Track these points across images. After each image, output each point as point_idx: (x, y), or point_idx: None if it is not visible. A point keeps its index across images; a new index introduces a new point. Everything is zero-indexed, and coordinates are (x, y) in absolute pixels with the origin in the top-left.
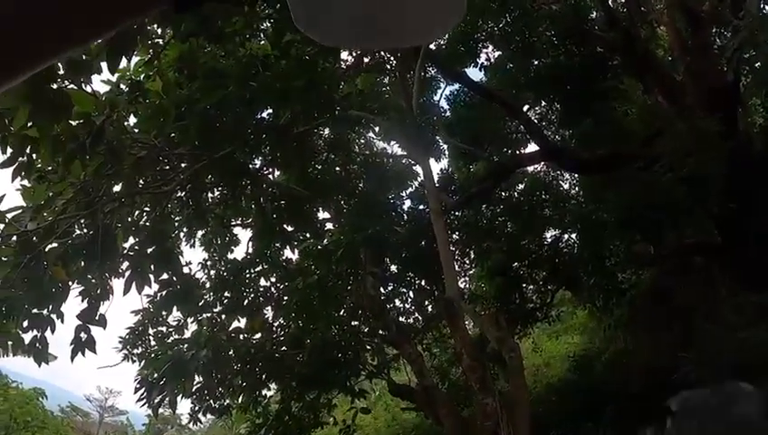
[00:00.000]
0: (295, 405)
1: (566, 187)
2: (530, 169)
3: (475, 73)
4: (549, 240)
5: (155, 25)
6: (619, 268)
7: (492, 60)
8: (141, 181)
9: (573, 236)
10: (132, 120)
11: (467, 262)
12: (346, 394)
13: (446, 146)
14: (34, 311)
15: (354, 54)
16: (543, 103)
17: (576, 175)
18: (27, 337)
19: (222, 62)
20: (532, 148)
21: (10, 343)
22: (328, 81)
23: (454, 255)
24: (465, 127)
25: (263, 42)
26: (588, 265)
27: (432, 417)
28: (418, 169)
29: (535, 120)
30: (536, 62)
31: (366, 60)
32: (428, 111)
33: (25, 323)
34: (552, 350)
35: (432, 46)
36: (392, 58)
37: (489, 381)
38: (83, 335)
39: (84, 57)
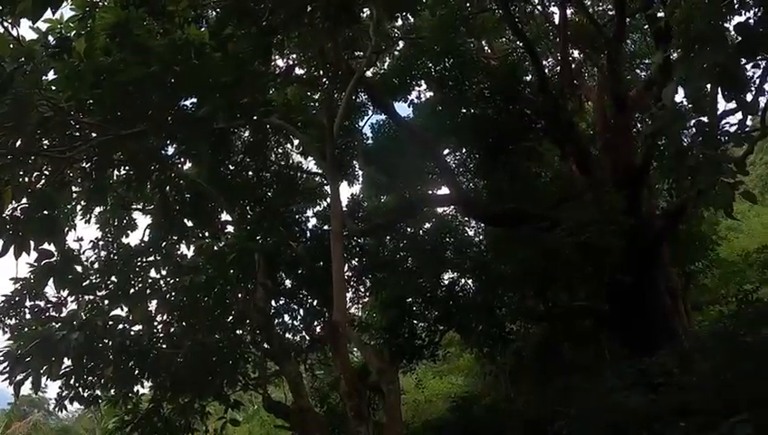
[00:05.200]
0: (167, 407)
1: (471, 233)
2: (439, 210)
3: (403, 109)
4: (446, 282)
5: None
6: (510, 319)
7: (423, 98)
8: (45, 142)
9: (470, 281)
10: (51, 76)
11: (362, 290)
12: (220, 403)
13: (361, 172)
14: None
15: (289, 63)
16: (464, 150)
17: (482, 224)
18: None
19: (157, 40)
20: (445, 191)
21: None
22: (257, 83)
23: (349, 280)
24: (383, 158)
25: (203, 29)
26: (480, 311)
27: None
28: (329, 189)
29: (453, 165)
30: (464, 110)
31: (300, 71)
32: (350, 135)
33: None
34: (435, 388)
35: (369, 73)
36: (325, 75)
37: (365, 410)
38: None
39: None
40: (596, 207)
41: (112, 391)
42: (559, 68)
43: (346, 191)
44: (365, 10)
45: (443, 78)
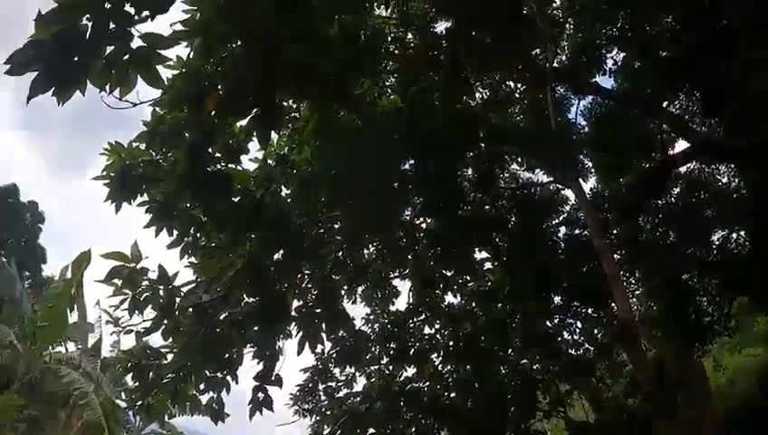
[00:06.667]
0: None
1: (725, 181)
2: (681, 169)
3: (605, 81)
4: (716, 243)
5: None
6: None
7: (618, 63)
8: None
9: (742, 234)
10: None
11: (633, 282)
12: None
13: (590, 163)
14: (210, 374)
15: (481, 90)
16: (681, 96)
17: (733, 167)
18: (204, 398)
19: (358, 123)
20: (682, 145)
21: (188, 404)
22: (470, 117)
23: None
24: (606, 138)
25: (391, 96)
26: (764, 264)
27: None
28: (567, 192)
29: (678, 115)
30: (663, 54)
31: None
32: (567, 132)
33: (202, 386)
34: (734, 365)
35: (555, 64)
36: (518, 86)
37: (675, 408)
38: (260, 395)
39: (231, 141)
40: None
41: None
42: None
43: (584, 187)
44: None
45: (625, 33)
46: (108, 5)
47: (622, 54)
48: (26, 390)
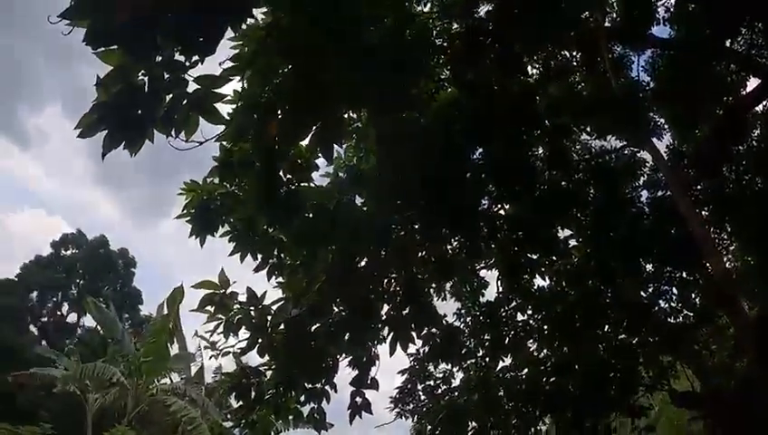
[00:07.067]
0: None
1: None
2: (758, 108)
3: (660, 31)
4: None
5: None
6: None
7: (671, 9)
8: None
9: None
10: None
11: (724, 238)
12: (625, 415)
13: (661, 120)
14: (309, 386)
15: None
16: (743, 31)
17: None
18: (305, 410)
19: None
20: (754, 83)
21: (291, 417)
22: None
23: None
24: (672, 90)
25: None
26: None
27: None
28: (644, 154)
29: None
30: None
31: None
32: (631, 91)
33: (302, 398)
34: None
35: (607, 23)
36: (573, 55)
37: None
38: (358, 399)
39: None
40: None
41: None
42: None
43: (659, 146)
44: None
45: None
46: (159, 58)
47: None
48: (136, 422)
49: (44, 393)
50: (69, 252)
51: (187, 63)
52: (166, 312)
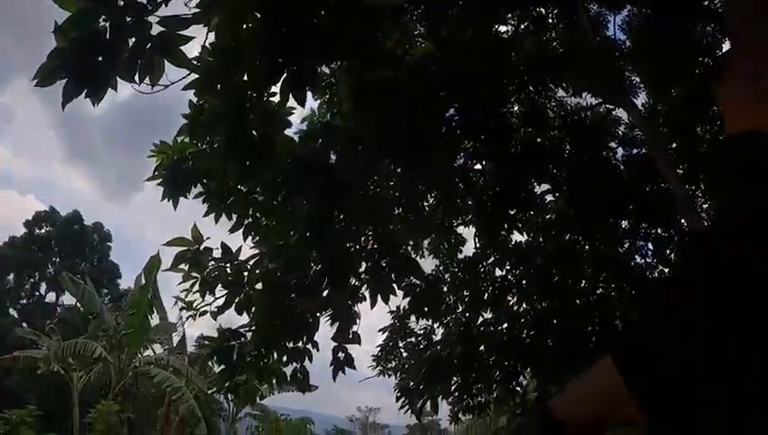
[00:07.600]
0: (553, 389)
1: None
2: None
3: None
4: None
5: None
6: None
7: None
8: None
9: None
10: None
11: (699, 195)
12: None
13: (638, 78)
14: (291, 345)
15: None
16: None
17: None
18: (288, 371)
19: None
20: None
21: (274, 379)
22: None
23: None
24: (648, 49)
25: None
26: None
27: None
28: (620, 112)
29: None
30: None
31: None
32: (607, 49)
33: (284, 359)
34: None
35: None
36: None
37: None
38: (341, 355)
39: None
40: None
41: (498, 391)
42: None
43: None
44: None
45: None
46: (120, 2)
47: None
48: (122, 396)
49: (29, 375)
50: (43, 230)
51: (150, 7)
52: (144, 283)
